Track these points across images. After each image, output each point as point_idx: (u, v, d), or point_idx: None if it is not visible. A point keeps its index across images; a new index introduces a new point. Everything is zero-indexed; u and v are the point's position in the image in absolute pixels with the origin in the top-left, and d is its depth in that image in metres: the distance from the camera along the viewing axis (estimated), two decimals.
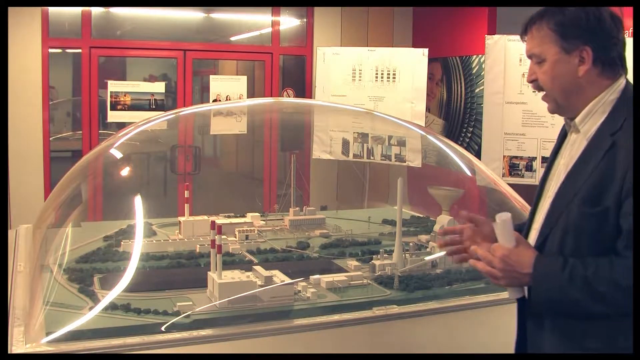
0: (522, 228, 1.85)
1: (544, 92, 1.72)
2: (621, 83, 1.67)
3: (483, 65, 5.36)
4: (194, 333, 2.04)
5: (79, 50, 5.75)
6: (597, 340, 1.59)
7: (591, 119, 1.67)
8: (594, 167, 1.59)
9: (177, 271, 2.70)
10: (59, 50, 5.92)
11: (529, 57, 1.73)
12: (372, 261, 2.75)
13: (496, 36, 5.03)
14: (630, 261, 1.52)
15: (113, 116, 5.62)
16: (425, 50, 5.50)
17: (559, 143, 1.82)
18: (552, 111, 1.75)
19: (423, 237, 3.19)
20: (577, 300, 1.54)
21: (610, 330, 1.58)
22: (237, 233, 3.22)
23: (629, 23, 4.27)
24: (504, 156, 5.09)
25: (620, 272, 1.51)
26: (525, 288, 1.68)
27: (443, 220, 3.15)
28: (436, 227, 3.14)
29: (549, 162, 1.83)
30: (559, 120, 4.15)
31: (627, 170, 1.53)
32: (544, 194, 1.77)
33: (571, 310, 1.58)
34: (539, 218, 1.74)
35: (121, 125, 5.42)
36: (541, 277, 1.60)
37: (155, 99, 5.71)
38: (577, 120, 1.69)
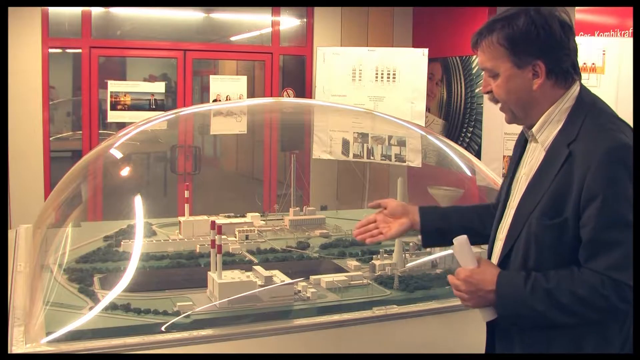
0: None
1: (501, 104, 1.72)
2: (575, 90, 1.67)
3: None
4: (194, 333, 2.04)
5: (79, 50, 5.75)
6: (562, 348, 1.61)
7: (547, 129, 1.67)
8: (552, 178, 1.60)
9: (177, 271, 2.70)
10: (59, 50, 5.93)
11: (482, 69, 1.73)
12: (372, 261, 2.75)
13: None
14: (590, 273, 1.53)
15: (113, 116, 5.62)
16: (425, 50, 5.50)
17: (520, 151, 1.82)
18: (509, 122, 1.76)
19: None
20: (540, 312, 1.56)
21: (574, 337, 1.60)
22: (237, 233, 3.22)
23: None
24: (504, 156, 5.09)
25: (579, 284, 1.53)
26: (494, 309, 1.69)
27: None
28: None
29: (512, 170, 1.82)
30: None
31: (584, 180, 1.52)
32: (508, 204, 1.77)
33: (536, 322, 1.60)
34: (504, 228, 1.74)
35: (121, 125, 5.42)
36: (505, 293, 1.61)
37: (155, 99, 5.71)
38: (533, 130, 1.70)
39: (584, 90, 1.69)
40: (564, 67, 1.64)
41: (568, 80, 1.66)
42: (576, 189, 1.54)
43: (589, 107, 1.65)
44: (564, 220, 1.56)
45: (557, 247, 1.59)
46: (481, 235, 1.88)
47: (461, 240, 1.69)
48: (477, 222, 1.98)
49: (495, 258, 1.76)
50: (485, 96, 1.75)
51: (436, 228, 1.99)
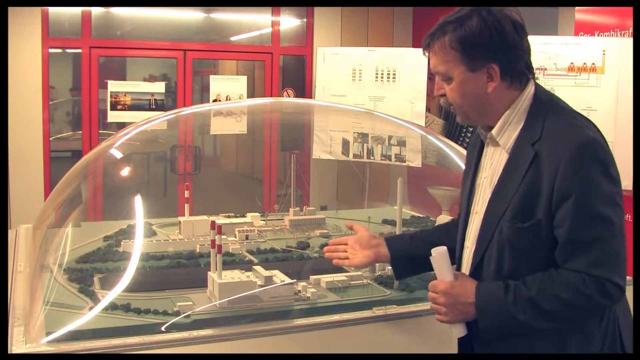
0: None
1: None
2: (530, 89, 1.65)
3: None
4: (194, 333, 2.04)
5: (79, 50, 5.75)
6: (545, 350, 1.59)
7: (508, 130, 1.64)
8: (519, 180, 1.56)
9: (177, 271, 2.70)
10: (59, 50, 5.93)
11: (435, 73, 1.69)
12: None
13: None
14: (570, 273, 1.51)
15: (113, 116, 5.62)
16: None
17: (477, 155, 1.78)
18: (463, 122, 1.73)
19: None
20: (524, 321, 1.54)
21: (557, 338, 1.58)
22: (237, 233, 3.22)
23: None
24: None
25: (561, 287, 1.51)
26: (465, 326, 1.66)
27: (443, 220, 3.15)
28: None
29: (471, 176, 1.78)
30: None
31: (555, 180, 1.50)
32: (472, 209, 1.74)
33: (520, 331, 1.57)
34: (471, 236, 1.71)
35: (121, 125, 5.43)
36: (486, 305, 1.58)
37: (155, 99, 5.71)
38: (493, 132, 1.66)
39: (539, 88, 1.67)
40: (517, 68, 1.61)
41: (523, 81, 1.64)
42: (547, 189, 1.52)
43: (548, 105, 1.63)
44: (537, 222, 1.54)
45: (532, 250, 1.56)
46: (452, 252, 1.80)
47: (440, 251, 1.66)
48: (445, 238, 1.94)
49: (465, 267, 1.73)
50: (441, 100, 1.72)
51: (406, 254, 1.97)
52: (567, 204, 1.50)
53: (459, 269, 1.78)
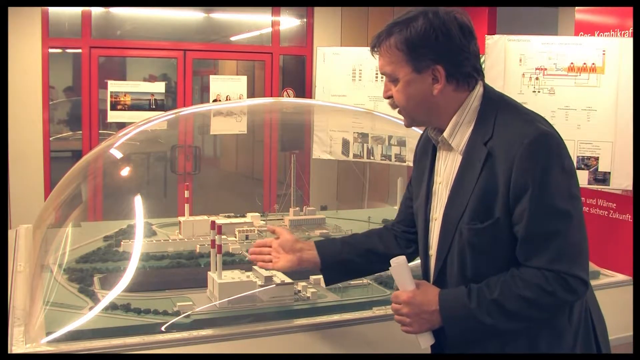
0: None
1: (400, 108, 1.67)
2: (479, 89, 1.63)
3: (483, 65, 5.35)
4: (194, 333, 2.04)
5: (79, 50, 5.76)
6: (517, 350, 1.57)
7: (459, 132, 1.62)
8: (475, 180, 1.54)
9: (177, 271, 2.70)
10: (59, 50, 5.93)
11: (382, 74, 1.68)
12: None
13: (496, 36, 5.03)
14: (531, 271, 1.49)
15: (113, 116, 5.62)
16: None
17: (431, 160, 1.74)
18: (408, 126, 1.71)
19: None
20: (490, 324, 1.52)
21: (528, 338, 1.57)
22: (237, 233, 3.21)
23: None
24: None
25: (524, 286, 1.49)
26: (432, 335, 1.64)
27: None
28: None
29: (425, 182, 1.74)
30: (559, 119, 4.14)
31: (510, 176, 1.48)
32: (431, 216, 1.71)
33: (487, 333, 1.56)
34: (433, 243, 1.68)
35: (121, 125, 5.43)
36: (450, 312, 1.56)
37: (155, 99, 5.71)
38: (445, 135, 1.64)
39: (488, 87, 1.65)
40: (464, 71, 1.59)
41: (471, 83, 1.62)
42: (503, 186, 1.50)
43: (498, 103, 1.61)
44: (495, 221, 1.52)
45: (494, 250, 1.55)
46: (385, 258, 1.71)
47: (399, 261, 1.62)
48: (379, 244, 1.91)
49: (430, 275, 1.70)
50: (387, 101, 1.70)
51: (337, 260, 1.91)
52: (524, 200, 1.48)
53: (425, 278, 1.75)
